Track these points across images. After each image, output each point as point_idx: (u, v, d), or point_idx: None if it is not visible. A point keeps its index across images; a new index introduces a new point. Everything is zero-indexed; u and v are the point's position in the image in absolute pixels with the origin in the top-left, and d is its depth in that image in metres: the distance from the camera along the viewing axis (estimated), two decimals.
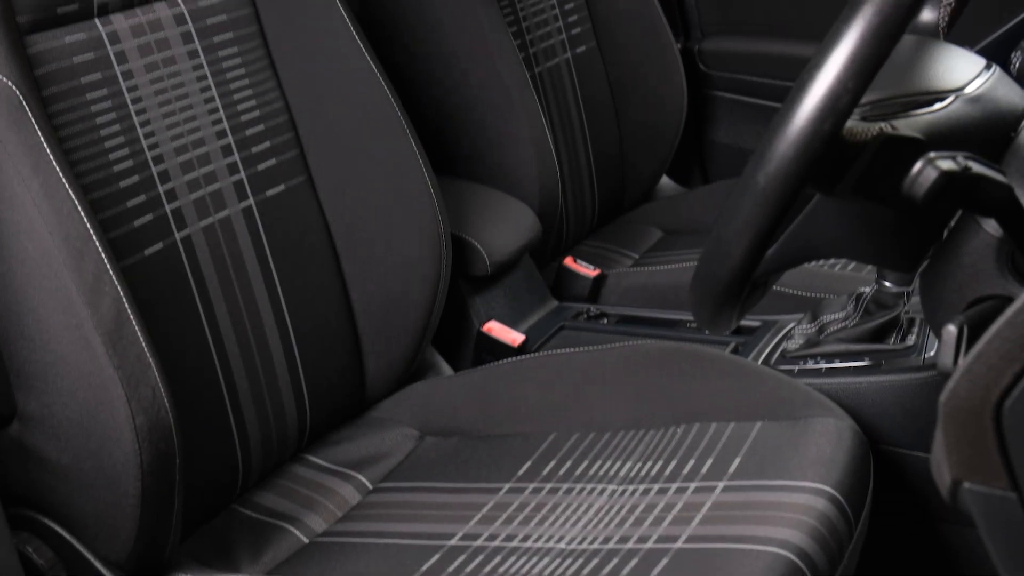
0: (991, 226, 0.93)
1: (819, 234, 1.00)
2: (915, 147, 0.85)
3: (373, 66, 1.49)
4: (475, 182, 1.88)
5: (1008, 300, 0.90)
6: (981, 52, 1.81)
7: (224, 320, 1.35)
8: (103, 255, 1.15)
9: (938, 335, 0.92)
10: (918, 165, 0.82)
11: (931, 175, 0.82)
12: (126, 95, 1.30)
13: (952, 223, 1.01)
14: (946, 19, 1.22)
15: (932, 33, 1.23)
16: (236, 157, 1.40)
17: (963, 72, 1.00)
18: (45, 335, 1.14)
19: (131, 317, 1.15)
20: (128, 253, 1.27)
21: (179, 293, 1.32)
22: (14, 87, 1.15)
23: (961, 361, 0.77)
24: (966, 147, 0.87)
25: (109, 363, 1.12)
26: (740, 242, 0.87)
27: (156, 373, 1.16)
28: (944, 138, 0.92)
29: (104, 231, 1.21)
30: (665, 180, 2.41)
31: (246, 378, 1.36)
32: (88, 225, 1.15)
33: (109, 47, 1.30)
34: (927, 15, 1.22)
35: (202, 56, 1.39)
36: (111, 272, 1.15)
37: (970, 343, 0.85)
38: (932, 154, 0.83)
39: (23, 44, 1.22)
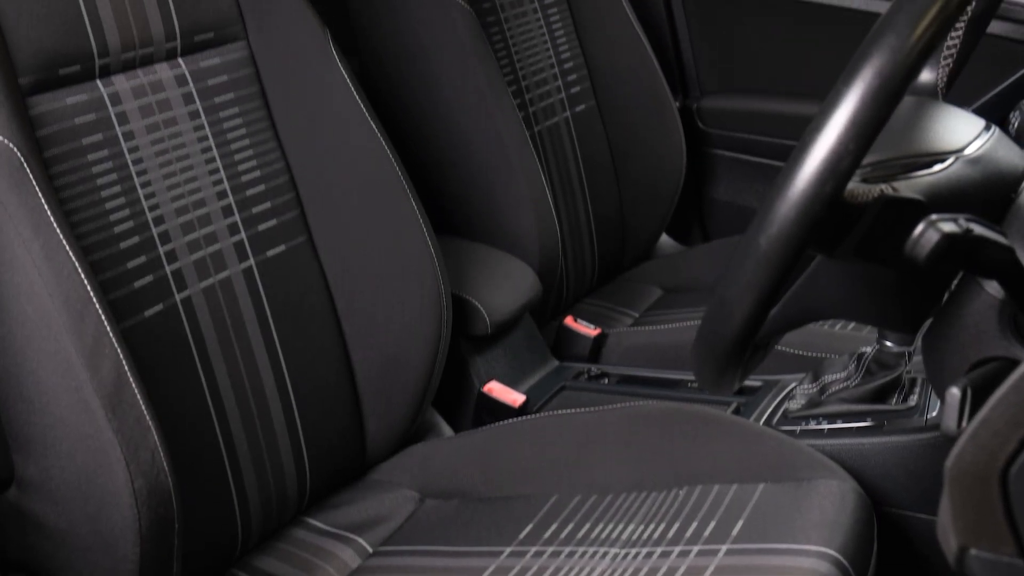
0: (993, 288, 0.93)
1: (821, 295, 1.00)
2: (916, 209, 0.85)
3: (373, 126, 1.50)
4: (475, 241, 1.88)
5: (1011, 362, 0.89)
6: (979, 110, 1.82)
7: (224, 382, 1.34)
8: (103, 317, 1.15)
9: (941, 397, 0.91)
10: (920, 227, 0.82)
11: (933, 237, 0.81)
12: (127, 156, 1.31)
13: (954, 285, 1.00)
14: (944, 79, 1.23)
15: (931, 93, 1.23)
16: (237, 217, 1.40)
17: (963, 133, 1.00)
18: (44, 398, 1.14)
19: (131, 380, 1.15)
20: (128, 315, 1.27)
21: (179, 355, 1.31)
22: (15, 149, 1.16)
23: (966, 424, 0.76)
24: (967, 208, 0.87)
25: (108, 426, 1.12)
26: (742, 304, 0.86)
27: (155, 436, 1.15)
28: (945, 200, 0.92)
29: (104, 293, 1.21)
30: (665, 238, 2.41)
31: (246, 440, 1.36)
32: (88, 287, 1.15)
33: (110, 108, 1.30)
34: (925, 75, 1.23)
35: (203, 117, 1.39)
36: (111, 334, 1.15)
37: (974, 406, 0.84)
38: (934, 216, 0.83)
39: (25, 105, 1.22)
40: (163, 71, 1.36)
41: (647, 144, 2.19)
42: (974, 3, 1.20)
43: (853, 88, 0.80)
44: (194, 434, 1.31)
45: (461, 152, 1.87)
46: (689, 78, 2.43)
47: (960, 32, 1.21)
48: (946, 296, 1.01)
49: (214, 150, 1.40)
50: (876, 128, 0.80)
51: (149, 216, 1.31)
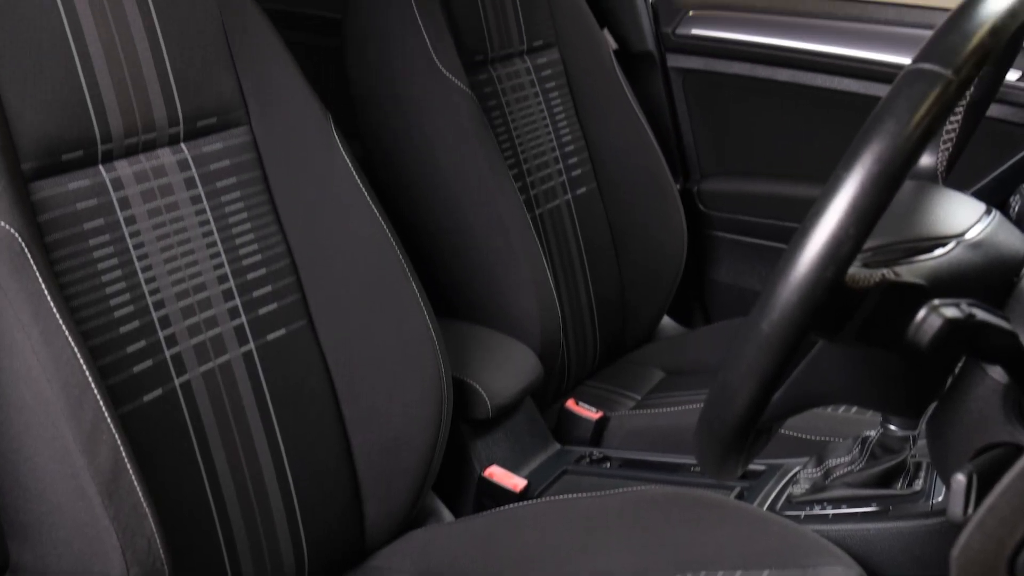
0: (997, 373, 0.92)
1: (823, 380, 0.99)
2: (918, 294, 0.84)
3: (374, 209, 1.50)
4: (477, 324, 1.87)
5: (1017, 448, 0.89)
6: (978, 193, 1.83)
7: (222, 467, 1.33)
8: (101, 403, 1.14)
9: (946, 482, 0.90)
10: (922, 312, 0.82)
11: (935, 323, 0.81)
12: (128, 241, 1.31)
13: (957, 369, 1.00)
14: (944, 163, 1.23)
15: (931, 177, 1.24)
16: (237, 301, 1.40)
17: (963, 217, 1.00)
18: (40, 484, 1.13)
19: (128, 466, 1.14)
20: (127, 400, 1.26)
21: (177, 440, 1.30)
22: (17, 234, 1.16)
23: (972, 512, 0.75)
24: (969, 293, 0.87)
25: (105, 513, 1.11)
26: (745, 389, 0.86)
27: (152, 523, 1.14)
28: (947, 284, 0.91)
29: (103, 378, 1.20)
30: (666, 320, 2.41)
31: (244, 527, 1.34)
32: (87, 372, 1.14)
33: (112, 193, 1.30)
34: (925, 159, 1.23)
35: (205, 201, 1.39)
36: (109, 420, 1.14)
37: (980, 492, 0.83)
38: (936, 301, 0.82)
39: (27, 191, 1.23)
40: (165, 156, 1.37)
41: (648, 226, 2.19)
42: (973, 88, 1.21)
43: (853, 173, 0.80)
44: (191, 521, 1.30)
45: (463, 235, 1.87)
46: (690, 161, 2.45)
47: (959, 116, 1.22)
48: (950, 381, 1.00)
49: (215, 234, 1.40)
50: (877, 213, 0.80)
51: (149, 300, 1.31)
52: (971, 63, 0.81)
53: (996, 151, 1.89)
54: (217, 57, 1.42)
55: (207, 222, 1.39)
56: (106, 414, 1.14)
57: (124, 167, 1.33)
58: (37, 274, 1.15)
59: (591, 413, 1.90)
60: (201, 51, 1.40)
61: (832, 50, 2.11)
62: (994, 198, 1.59)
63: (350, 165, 1.50)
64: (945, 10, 1.95)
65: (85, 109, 1.28)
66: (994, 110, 1.89)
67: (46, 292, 1.15)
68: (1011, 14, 0.86)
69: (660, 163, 2.18)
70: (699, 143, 2.43)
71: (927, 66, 0.81)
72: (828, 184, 0.82)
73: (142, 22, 1.34)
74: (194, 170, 1.39)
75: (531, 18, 2.07)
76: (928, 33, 0.78)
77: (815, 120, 2.22)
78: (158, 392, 1.29)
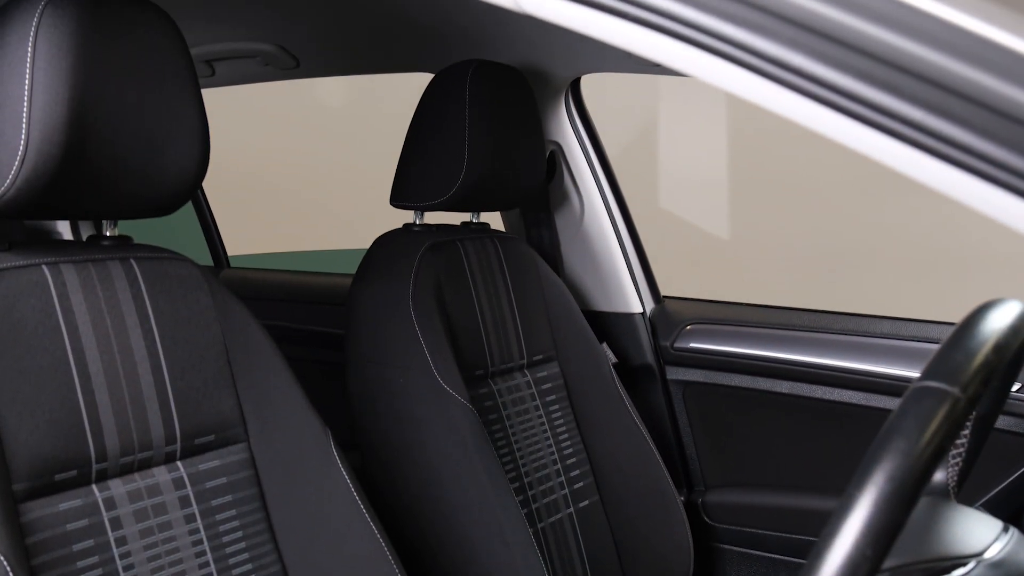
0: None
1: None
2: None
3: (373, 526, 1.47)
4: None
5: None
6: (986, 505, 1.80)
7: None
8: None
9: None
10: None
11: None
12: (118, 562, 1.27)
13: None
14: (955, 478, 1.21)
15: (942, 493, 1.21)
16: None
17: (981, 536, 0.98)
18: None
19: None
20: None
21: None
22: (3, 558, 1.12)
23: None
24: None
25: None
26: None
27: None
28: None
29: None
30: None
31: None
32: None
33: (104, 513, 1.28)
34: (936, 475, 1.21)
35: (199, 520, 1.36)
36: None
37: None
38: None
39: (17, 512, 1.20)
40: (161, 474, 1.35)
41: (652, 540, 2.15)
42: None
43: (866, 492, 0.78)
44: None
45: (463, 549, 1.83)
46: (693, 472, 2.42)
47: (967, 431, 1.21)
48: None
49: (208, 554, 1.36)
50: (893, 533, 0.78)
51: None
52: (978, 380, 0.81)
53: (1003, 463, 1.87)
54: (218, 376, 1.42)
55: (200, 541, 1.36)
56: None
57: (118, 486, 1.30)
58: None
59: None
60: (202, 371, 1.40)
61: (831, 362, 2.12)
62: (1002, 510, 1.56)
63: (349, 482, 1.47)
64: (941, 323, 1.98)
65: (82, 430, 1.27)
66: (998, 421, 1.88)
67: None
68: (1013, 331, 0.86)
69: (663, 475, 2.16)
70: (702, 454, 2.41)
71: (934, 384, 0.80)
72: (841, 504, 0.80)
73: (145, 344, 1.34)
74: (189, 488, 1.37)
75: (531, 333, 2.09)
76: (925, 346, 0.78)
77: (818, 431, 2.22)
78: None
